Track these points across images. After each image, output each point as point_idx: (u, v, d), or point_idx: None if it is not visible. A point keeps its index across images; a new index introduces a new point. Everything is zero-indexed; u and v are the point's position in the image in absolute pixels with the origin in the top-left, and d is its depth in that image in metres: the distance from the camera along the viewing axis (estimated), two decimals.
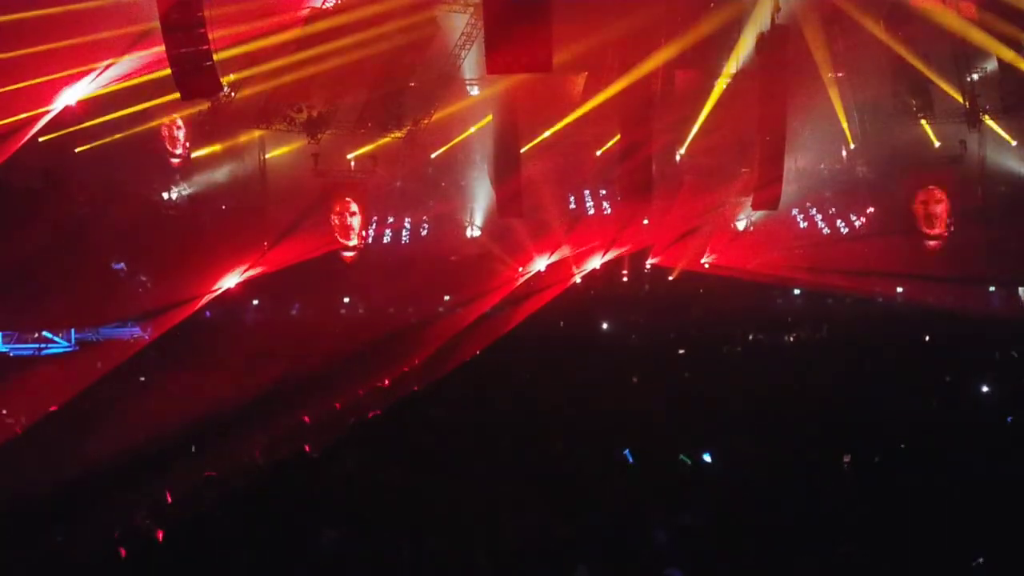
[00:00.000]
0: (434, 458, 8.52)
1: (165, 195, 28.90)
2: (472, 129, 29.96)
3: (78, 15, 22.58)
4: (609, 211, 30.84)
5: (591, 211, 31.06)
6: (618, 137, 28.85)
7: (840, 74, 28.53)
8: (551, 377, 13.57)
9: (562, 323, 25.53)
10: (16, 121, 22.89)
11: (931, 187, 29.01)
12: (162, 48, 22.19)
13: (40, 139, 24.34)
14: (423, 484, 7.63)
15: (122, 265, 26.59)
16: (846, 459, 8.36)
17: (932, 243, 28.73)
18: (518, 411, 10.67)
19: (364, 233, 29.93)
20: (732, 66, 28.87)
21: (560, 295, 28.11)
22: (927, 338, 19.28)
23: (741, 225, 30.45)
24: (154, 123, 27.07)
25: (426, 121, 28.96)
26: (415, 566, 6.18)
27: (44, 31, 22.86)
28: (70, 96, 24.53)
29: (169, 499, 8.47)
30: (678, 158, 30.39)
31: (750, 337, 20.12)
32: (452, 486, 7.59)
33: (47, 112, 23.74)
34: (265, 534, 6.45)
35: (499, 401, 11.43)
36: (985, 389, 12.26)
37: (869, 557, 6.18)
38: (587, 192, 31.10)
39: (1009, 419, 9.80)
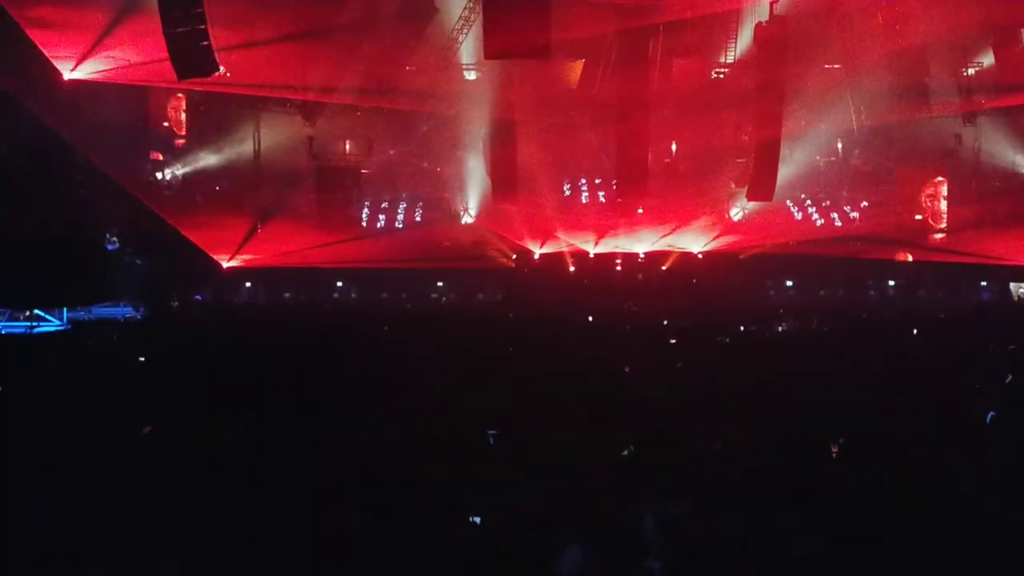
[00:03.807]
0: (422, 439, 8.55)
1: (159, 175, 28.84)
2: (468, 114, 29.88)
3: None
4: (604, 199, 30.84)
5: (586, 199, 31.06)
6: (614, 124, 28.87)
7: (837, 66, 28.55)
8: (540, 363, 13.59)
9: (549, 308, 25.50)
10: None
11: (938, 180, 29.18)
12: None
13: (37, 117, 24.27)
14: (410, 465, 7.68)
15: (115, 243, 26.56)
16: (834, 448, 8.40)
17: (937, 236, 28.83)
18: (507, 395, 10.70)
19: (358, 217, 29.93)
20: (730, 56, 28.87)
21: (552, 282, 28.18)
22: (915, 331, 19.32)
23: (736, 215, 30.48)
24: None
25: (423, 106, 28.95)
26: (403, 546, 6.23)
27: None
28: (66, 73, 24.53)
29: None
30: (674, 147, 30.40)
31: (742, 328, 20.14)
32: (439, 467, 7.63)
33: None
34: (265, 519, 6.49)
35: (489, 386, 11.45)
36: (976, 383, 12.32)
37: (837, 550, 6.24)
38: (582, 180, 31.07)
39: (991, 415, 9.83)
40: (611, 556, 6.25)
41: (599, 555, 6.18)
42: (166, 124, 28.45)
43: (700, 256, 29.33)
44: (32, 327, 22.35)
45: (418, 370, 12.81)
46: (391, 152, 30.26)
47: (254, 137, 29.14)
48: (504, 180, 28.95)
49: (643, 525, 6.61)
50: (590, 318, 22.34)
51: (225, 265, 27.82)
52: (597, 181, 31.02)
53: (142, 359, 14.03)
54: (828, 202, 30.76)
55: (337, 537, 6.28)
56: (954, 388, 11.86)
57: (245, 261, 28.01)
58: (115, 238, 26.67)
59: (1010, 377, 12.45)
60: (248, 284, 29.11)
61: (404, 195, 30.74)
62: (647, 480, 7.52)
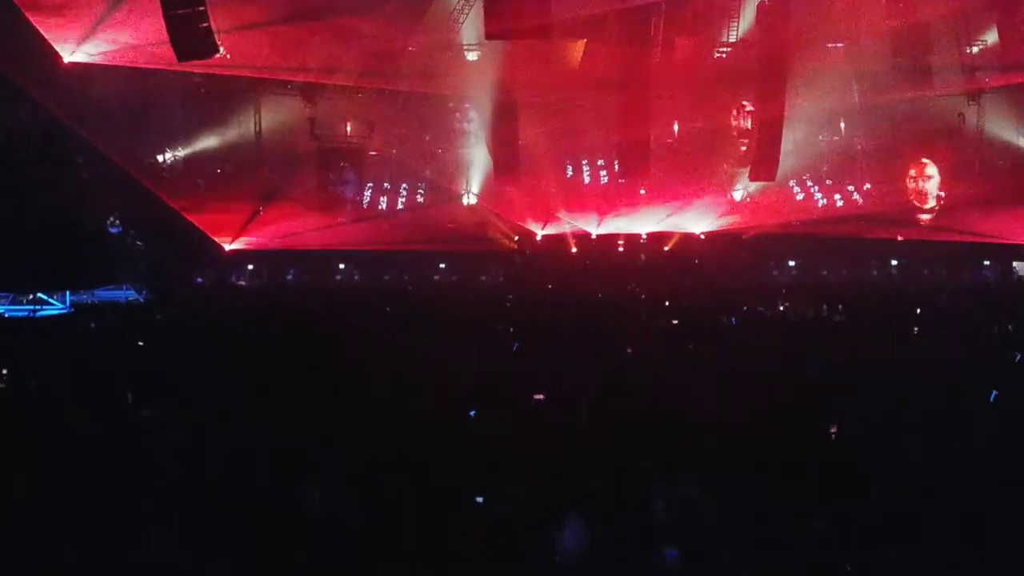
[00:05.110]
0: (421, 421, 8.58)
1: (161, 158, 28.81)
2: (470, 95, 29.79)
3: None
4: (606, 180, 30.79)
5: (588, 179, 30.99)
6: (616, 104, 28.76)
7: (840, 44, 28.41)
8: (545, 344, 13.62)
9: (550, 286, 25.48)
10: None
11: (923, 161, 29.09)
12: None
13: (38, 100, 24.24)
14: (410, 446, 7.70)
15: (118, 226, 26.60)
16: (833, 430, 8.40)
17: (924, 217, 28.84)
18: (512, 375, 10.73)
19: (359, 199, 29.90)
20: (732, 35, 28.73)
21: (555, 263, 28.19)
22: (918, 311, 19.30)
23: (738, 196, 30.41)
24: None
25: (424, 87, 28.85)
26: (404, 530, 6.26)
27: None
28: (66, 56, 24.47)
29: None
30: (676, 127, 30.30)
31: (745, 308, 20.13)
32: (441, 448, 7.65)
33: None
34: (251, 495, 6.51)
35: (493, 365, 11.48)
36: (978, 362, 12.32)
37: (843, 532, 6.25)
38: (584, 160, 30.99)
39: (994, 393, 9.83)
40: (621, 536, 6.25)
41: (607, 533, 6.18)
42: (167, 107, 28.36)
43: (702, 236, 29.30)
44: (35, 311, 22.37)
45: (418, 351, 12.82)
46: (393, 133, 30.18)
47: (255, 119, 29.08)
48: (506, 161, 28.90)
49: (655, 507, 6.62)
50: (599, 295, 22.32)
51: (227, 248, 27.83)
52: (599, 162, 30.95)
53: (140, 343, 14.05)
54: (830, 182, 30.69)
55: (333, 520, 6.32)
56: (959, 365, 11.87)
57: (247, 244, 28.02)
58: (118, 221, 26.68)
59: (1020, 356, 12.47)
60: (250, 267, 29.15)
61: (406, 177, 30.69)
62: (656, 460, 7.53)
